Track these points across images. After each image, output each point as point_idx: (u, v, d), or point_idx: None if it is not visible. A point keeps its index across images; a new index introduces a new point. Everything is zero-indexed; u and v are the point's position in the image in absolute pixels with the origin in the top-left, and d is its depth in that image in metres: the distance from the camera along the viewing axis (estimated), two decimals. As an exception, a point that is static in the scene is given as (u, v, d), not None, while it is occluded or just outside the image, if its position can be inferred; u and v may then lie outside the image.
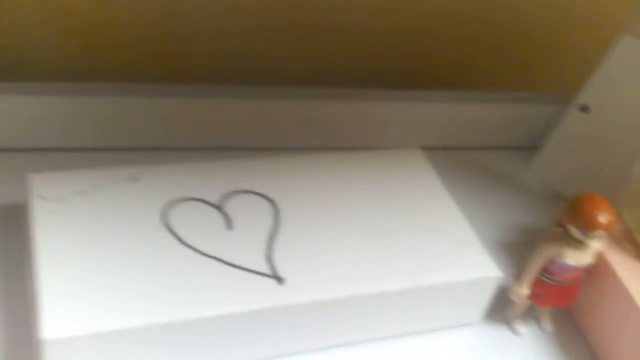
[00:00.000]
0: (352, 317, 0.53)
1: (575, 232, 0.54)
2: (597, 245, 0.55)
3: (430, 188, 0.62)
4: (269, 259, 0.52)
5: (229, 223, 0.54)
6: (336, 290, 0.51)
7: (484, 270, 0.56)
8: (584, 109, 0.68)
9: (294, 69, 0.76)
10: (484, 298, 0.58)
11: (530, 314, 0.61)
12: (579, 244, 0.55)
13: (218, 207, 0.55)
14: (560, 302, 0.59)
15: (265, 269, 0.51)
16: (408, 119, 0.74)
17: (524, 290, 0.57)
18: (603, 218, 0.53)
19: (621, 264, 0.58)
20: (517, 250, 0.66)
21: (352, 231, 0.56)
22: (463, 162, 0.77)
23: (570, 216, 0.54)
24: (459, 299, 0.57)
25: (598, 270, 0.58)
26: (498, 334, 0.60)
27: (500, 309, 0.60)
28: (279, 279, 0.51)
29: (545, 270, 0.57)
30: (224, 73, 0.74)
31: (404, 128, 0.74)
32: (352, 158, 0.64)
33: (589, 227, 0.53)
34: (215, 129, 0.70)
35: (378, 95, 0.73)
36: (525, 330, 0.60)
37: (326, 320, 0.52)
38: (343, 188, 0.60)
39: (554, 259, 0.56)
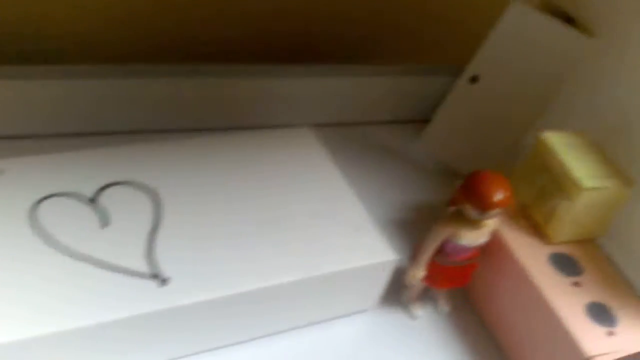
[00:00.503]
0: (243, 314, 0.50)
1: (471, 212, 0.52)
2: (492, 223, 0.54)
3: (322, 170, 0.59)
4: (150, 258, 0.48)
5: (104, 219, 0.50)
6: (225, 288, 0.48)
7: (379, 254, 0.54)
8: (474, 79, 0.66)
9: (181, 44, 0.71)
10: (380, 283, 0.56)
11: (426, 296, 0.60)
12: (474, 223, 0.53)
13: (92, 202, 0.50)
14: (455, 283, 0.58)
15: (145, 268, 0.47)
16: (298, 94, 0.70)
17: (418, 274, 0.55)
18: (500, 196, 0.51)
19: (516, 240, 0.57)
20: (410, 228, 0.65)
21: (240, 221, 0.53)
22: (354, 138, 0.74)
23: (465, 195, 0.52)
24: (355, 285, 0.55)
25: (493, 248, 0.57)
26: (394, 318, 0.58)
27: (395, 292, 0.59)
28: (162, 279, 0.47)
29: (440, 252, 0.55)
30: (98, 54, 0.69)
31: (294, 104, 0.70)
32: (239, 140, 0.60)
33: (485, 206, 0.51)
34: (95, 111, 0.64)
35: (266, 70, 0.70)
36: (422, 313, 0.59)
37: (217, 319, 0.49)
38: (230, 174, 0.56)
39: (449, 239, 0.54)
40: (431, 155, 0.73)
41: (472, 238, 0.54)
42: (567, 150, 0.57)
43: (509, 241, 0.57)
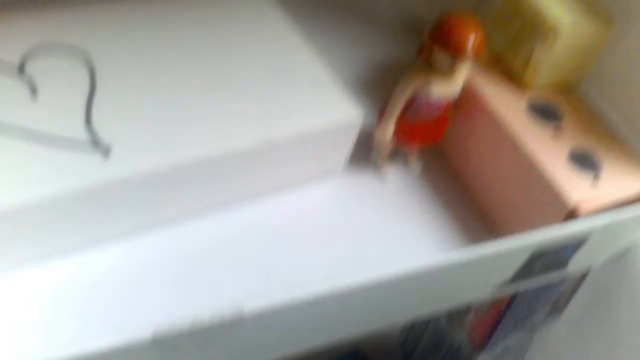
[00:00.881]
0: (202, 182, 0.46)
1: (442, 58, 0.48)
2: (463, 73, 0.50)
3: (276, 27, 0.54)
4: (88, 126, 0.43)
5: (34, 87, 0.44)
6: (174, 154, 0.43)
7: (343, 111, 0.50)
8: None
9: None
10: (347, 142, 0.52)
11: (397, 155, 0.56)
12: (444, 74, 0.49)
13: (20, 70, 0.45)
14: (427, 139, 0.54)
15: (84, 137, 0.42)
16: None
17: (388, 130, 0.51)
18: (472, 39, 0.47)
19: (491, 91, 0.53)
20: (379, 88, 0.60)
21: (191, 84, 0.48)
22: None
23: (434, 39, 0.48)
24: (321, 145, 0.50)
25: (467, 100, 0.53)
26: (364, 181, 0.54)
27: (365, 153, 0.55)
28: (103, 148, 0.42)
29: (410, 106, 0.51)
30: None
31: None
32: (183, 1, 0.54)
33: (457, 49, 0.47)
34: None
35: None
36: (393, 173, 0.55)
37: (168, 189, 0.45)
38: (174, 36, 0.51)
39: (418, 93, 0.50)
40: (398, 7, 0.67)
41: (443, 90, 0.50)
42: (541, -11, 0.53)
43: (484, 92, 0.53)
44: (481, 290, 0.50)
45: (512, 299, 0.57)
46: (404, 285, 0.43)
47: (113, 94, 0.45)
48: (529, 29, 0.52)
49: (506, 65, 0.55)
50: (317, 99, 0.50)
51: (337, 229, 0.51)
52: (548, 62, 0.52)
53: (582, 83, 0.56)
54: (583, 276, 0.61)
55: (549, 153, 0.50)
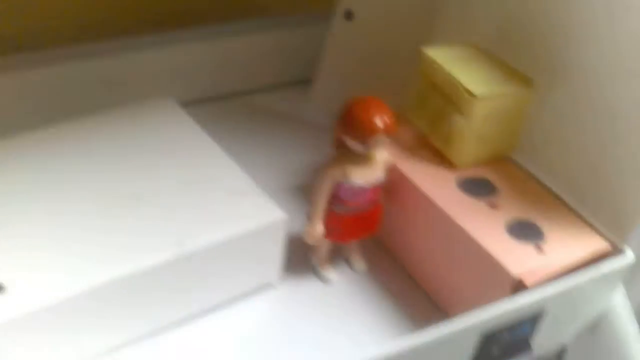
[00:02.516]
0: (114, 309, 0.43)
1: (354, 145, 0.46)
2: (382, 154, 0.48)
3: (192, 139, 0.53)
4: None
5: None
6: (86, 281, 0.41)
7: (264, 215, 0.47)
8: (348, 15, 0.60)
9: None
10: (275, 249, 0.49)
11: (338, 256, 0.53)
12: (361, 158, 0.47)
13: None
14: (362, 232, 0.51)
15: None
16: (155, 69, 0.63)
17: (315, 228, 0.49)
18: (378, 119, 0.45)
19: (419, 173, 0.51)
20: (306, 190, 0.58)
21: (98, 205, 0.46)
22: (239, 110, 0.67)
23: (342, 127, 0.46)
24: (246, 255, 0.48)
25: (396, 185, 0.51)
26: (307, 287, 0.51)
27: (303, 259, 0.52)
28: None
29: (336, 199, 0.48)
30: None
31: (153, 82, 0.62)
32: (92, 123, 0.52)
33: (365, 133, 0.45)
34: None
35: (112, 46, 0.62)
36: (335, 276, 0.52)
37: (82, 320, 0.42)
38: (84, 158, 0.49)
39: (340, 182, 0.47)
40: (326, 111, 0.66)
41: (363, 175, 0.47)
42: (454, 63, 0.51)
43: (413, 175, 0.51)
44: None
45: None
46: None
47: (10, 229, 0.43)
48: (447, 104, 0.51)
49: (432, 145, 0.53)
50: (239, 207, 0.48)
51: (277, 344, 0.47)
52: (471, 135, 0.50)
53: (514, 152, 0.54)
54: (559, 356, 0.57)
55: (486, 227, 0.47)
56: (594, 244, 0.48)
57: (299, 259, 0.52)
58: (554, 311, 0.47)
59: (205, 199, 0.48)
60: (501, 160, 0.53)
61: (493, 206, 0.49)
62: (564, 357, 0.57)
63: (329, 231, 0.49)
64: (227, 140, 0.54)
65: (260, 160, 0.59)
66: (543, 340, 0.49)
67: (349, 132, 0.46)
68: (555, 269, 0.46)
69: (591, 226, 0.49)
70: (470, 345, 0.44)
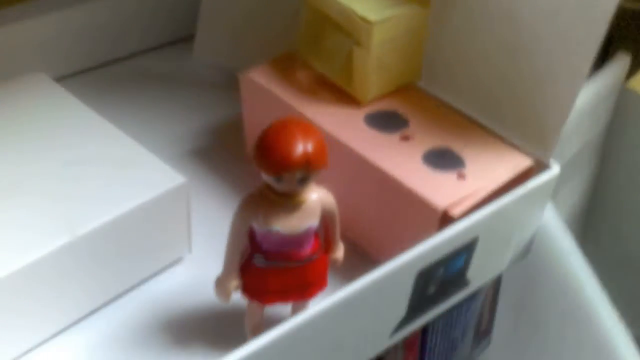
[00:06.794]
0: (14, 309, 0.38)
1: (269, 180, 0.36)
2: (313, 195, 0.38)
3: (72, 114, 0.48)
4: None
5: None
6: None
7: (162, 182, 0.43)
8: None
9: None
10: (181, 218, 0.44)
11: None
12: (285, 198, 0.37)
13: None
14: (293, 294, 0.40)
15: None
16: (17, 44, 0.56)
17: (228, 282, 0.39)
18: (296, 148, 0.35)
19: (321, 115, 0.47)
20: (207, 154, 0.54)
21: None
22: (118, 78, 0.61)
23: (255, 157, 0.36)
24: (151, 230, 0.43)
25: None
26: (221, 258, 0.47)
27: (212, 229, 0.47)
28: None
29: (255, 247, 0.39)
30: None
31: (18, 59, 0.56)
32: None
33: (277, 166, 0.35)
34: None
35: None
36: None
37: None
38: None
39: (258, 229, 0.38)
40: (212, 66, 0.61)
41: (287, 221, 0.37)
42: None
43: (316, 118, 0.46)
44: (379, 337, 0.42)
45: (424, 338, 0.49)
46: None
47: None
48: (342, 36, 0.47)
49: (332, 84, 0.49)
50: (130, 180, 0.43)
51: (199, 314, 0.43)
52: (372, 65, 0.46)
53: (421, 80, 0.50)
54: (496, 289, 0.54)
55: (402, 162, 0.44)
56: (518, 162, 0.45)
57: (208, 229, 0.47)
58: (485, 239, 0.44)
59: (94, 176, 0.43)
60: (407, 89, 0.50)
61: (406, 139, 0.46)
62: (499, 287, 0.54)
63: (246, 287, 0.40)
64: (111, 110, 0.49)
65: (150, 127, 0.54)
66: (477, 274, 0.46)
67: (260, 164, 0.36)
68: (481, 194, 0.43)
69: (512, 145, 0.46)
70: (406, 287, 0.41)
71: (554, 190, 0.48)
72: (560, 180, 0.47)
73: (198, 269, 0.46)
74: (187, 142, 0.55)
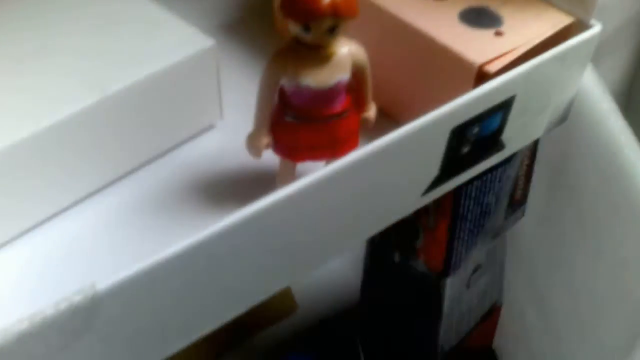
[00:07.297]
0: (40, 170, 0.38)
1: (296, 30, 0.35)
2: (344, 47, 0.37)
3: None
4: None
5: None
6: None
7: (191, 44, 0.42)
8: None
9: None
10: (211, 82, 0.44)
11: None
12: (314, 51, 0.36)
13: None
14: (322, 152, 0.40)
15: None
16: None
17: (259, 137, 0.39)
18: None
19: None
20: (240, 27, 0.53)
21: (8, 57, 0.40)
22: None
23: (282, 5, 0.35)
24: (181, 94, 0.42)
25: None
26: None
27: (243, 95, 0.46)
28: None
29: (286, 103, 0.38)
30: None
31: None
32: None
33: (305, 12, 0.34)
34: None
35: None
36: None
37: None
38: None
39: (288, 83, 0.37)
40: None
41: (316, 75, 0.37)
42: None
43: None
44: (411, 195, 0.42)
45: (457, 204, 0.49)
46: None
47: None
48: None
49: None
50: (159, 41, 0.42)
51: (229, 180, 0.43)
52: None
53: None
54: (532, 157, 0.53)
55: (437, 21, 0.43)
56: (557, 20, 0.44)
57: (239, 97, 0.46)
58: (522, 98, 0.43)
59: (124, 39, 0.42)
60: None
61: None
62: (535, 155, 0.53)
63: (277, 144, 0.40)
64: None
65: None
66: (514, 136, 0.45)
67: (288, 12, 0.35)
68: (520, 51, 0.42)
69: (551, 4, 0.45)
70: (440, 145, 0.40)
71: (594, 57, 0.46)
72: (600, 52, 0.45)
73: (230, 135, 0.45)
74: (218, 14, 0.54)
